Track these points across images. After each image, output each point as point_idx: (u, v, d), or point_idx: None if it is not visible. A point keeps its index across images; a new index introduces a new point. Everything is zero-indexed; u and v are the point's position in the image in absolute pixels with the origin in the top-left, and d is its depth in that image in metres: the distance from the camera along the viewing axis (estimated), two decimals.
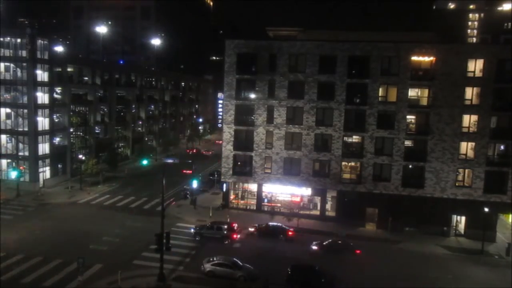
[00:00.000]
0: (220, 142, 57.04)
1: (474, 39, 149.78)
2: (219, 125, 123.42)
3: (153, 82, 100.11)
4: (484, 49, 50.66)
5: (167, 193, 57.49)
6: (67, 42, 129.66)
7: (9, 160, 62.17)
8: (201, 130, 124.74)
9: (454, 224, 51.30)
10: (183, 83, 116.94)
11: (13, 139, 62.11)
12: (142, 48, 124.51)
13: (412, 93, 51.53)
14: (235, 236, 44.77)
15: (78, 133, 70.20)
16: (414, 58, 50.10)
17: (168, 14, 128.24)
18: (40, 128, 61.29)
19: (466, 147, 50.84)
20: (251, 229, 47.24)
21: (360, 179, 52.22)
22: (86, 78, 73.43)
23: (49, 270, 35.70)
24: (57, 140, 66.20)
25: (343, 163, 53.06)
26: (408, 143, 51.70)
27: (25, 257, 37.82)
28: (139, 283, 34.05)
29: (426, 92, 50.94)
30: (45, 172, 62.90)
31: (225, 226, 45.03)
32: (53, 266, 36.54)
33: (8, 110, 62.21)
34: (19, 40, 59.84)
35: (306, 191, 54.10)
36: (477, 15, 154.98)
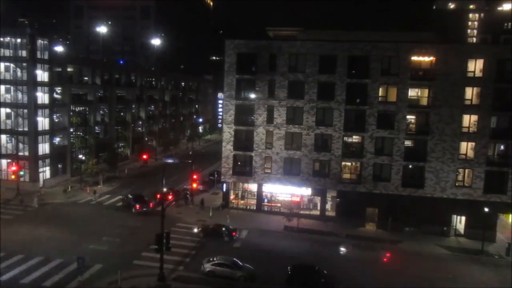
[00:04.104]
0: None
1: (474, 39, 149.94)
2: (219, 125, 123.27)
3: (153, 82, 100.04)
4: (484, 49, 50.72)
5: None
6: (67, 42, 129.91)
7: (9, 160, 62.14)
8: (201, 130, 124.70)
9: (454, 224, 51.31)
10: (183, 83, 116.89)
11: (13, 139, 62.08)
12: (142, 48, 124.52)
13: (412, 93, 51.55)
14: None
15: (78, 133, 70.11)
16: (414, 58, 50.12)
17: (168, 14, 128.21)
18: (40, 128, 61.26)
19: (466, 147, 50.82)
20: (196, 230, 46.62)
21: (360, 179, 52.22)
22: (86, 78, 73.35)
23: (49, 270, 35.66)
24: (57, 140, 66.16)
25: (343, 163, 53.07)
26: (408, 143, 51.70)
27: (25, 257, 37.77)
28: (139, 283, 34.02)
29: (426, 92, 50.94)
30: (45, 172, 62.87)
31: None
32: (53, 266, 36.50)
33: (8, 110, 62.19)
34: (19, 40, 59.82)
35: (306, 191, 54.10)
36: (477, 15, 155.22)
